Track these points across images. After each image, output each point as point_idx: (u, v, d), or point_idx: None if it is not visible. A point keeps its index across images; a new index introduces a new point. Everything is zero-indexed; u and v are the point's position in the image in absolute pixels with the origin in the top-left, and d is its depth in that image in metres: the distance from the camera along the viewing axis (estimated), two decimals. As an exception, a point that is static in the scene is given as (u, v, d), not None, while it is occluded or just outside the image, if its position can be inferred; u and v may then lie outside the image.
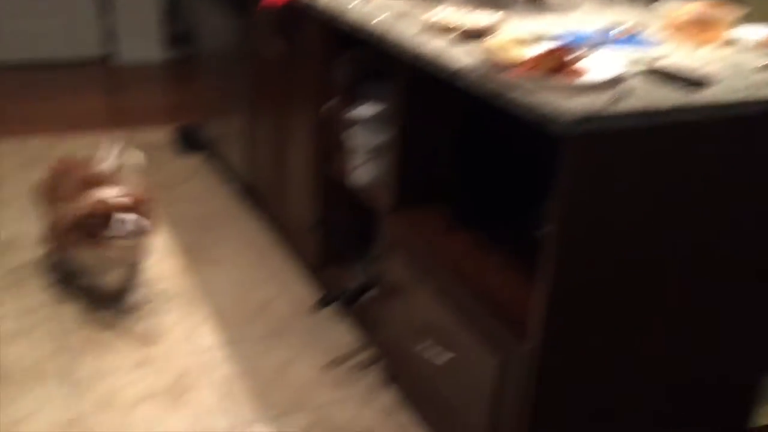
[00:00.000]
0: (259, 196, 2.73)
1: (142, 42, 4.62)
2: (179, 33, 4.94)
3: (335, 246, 2.20)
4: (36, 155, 3.23)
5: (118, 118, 3.79)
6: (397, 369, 1.82)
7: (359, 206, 2.11)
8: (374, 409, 1.89)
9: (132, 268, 2.19)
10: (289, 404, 1.89)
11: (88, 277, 2.16)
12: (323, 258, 2.26)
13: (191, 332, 2.14)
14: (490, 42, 1.41)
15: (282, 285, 2.42)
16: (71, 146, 3.34)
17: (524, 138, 1.74)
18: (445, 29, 1.60)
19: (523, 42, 1.41)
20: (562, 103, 1.16)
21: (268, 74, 2.44)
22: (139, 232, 2.02)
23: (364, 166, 1.91)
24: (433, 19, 1.63)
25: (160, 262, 2.48)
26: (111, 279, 2.20)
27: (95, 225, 1.97)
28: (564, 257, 1.26)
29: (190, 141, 3.42)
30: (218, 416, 1.83)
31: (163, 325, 2.16)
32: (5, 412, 1.78)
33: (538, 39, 1.46)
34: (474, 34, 1.55)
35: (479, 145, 1.80)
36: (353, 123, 1.93)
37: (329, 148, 2.08)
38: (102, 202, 1.99)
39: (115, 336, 2.09)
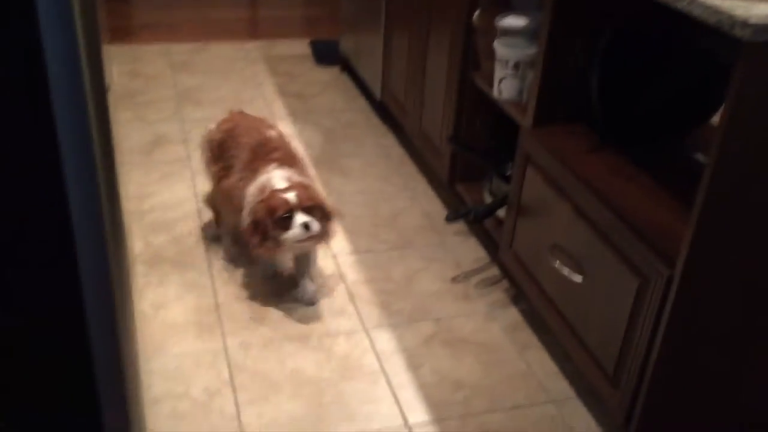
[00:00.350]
0: (392, 109, 2.73)
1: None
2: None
3: (469, 160, 2.18)
4: (182, 60, 3.36)
5: (257, 29, 3.87)
6: (525, 287, 1.80)
7: (498, 121, 2.06)
8: (497, 325, 1.90)
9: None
10: (412, 313, 1.93)
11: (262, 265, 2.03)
12: (456, 172, 2.25)
13: (322, 236, 2.21)
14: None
15: (412, 198, 2.44)
16: (214, 53, 3.46)
17: (675, 62, 1.63)
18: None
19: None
20: (749, 7, 1.07)
21: (410, -16, 2.40)
22: (321, 237, 1.80)
23: (507, 79, 1.86)
24: None
25: (295, 168, 2.55)
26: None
27: (274, 225, 1.75)
28: (722, 182, 1.19)
29: (325, 54, 3.45)
30: (344, 318, 1.89)
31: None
32: (154, 293, 1.93)
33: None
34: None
35: (627, 67, 1.70)
36: (501, 34, 1.87)
37: (475, 58, 2.04)
38: (284, 203, 1.74)
39: (252, 234, 2.19)
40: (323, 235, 1.81)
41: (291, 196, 1.76)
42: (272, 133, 1.98)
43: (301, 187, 1.79)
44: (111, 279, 1.12)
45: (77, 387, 1.11)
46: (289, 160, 1.92)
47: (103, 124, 0.97)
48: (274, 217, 1.74)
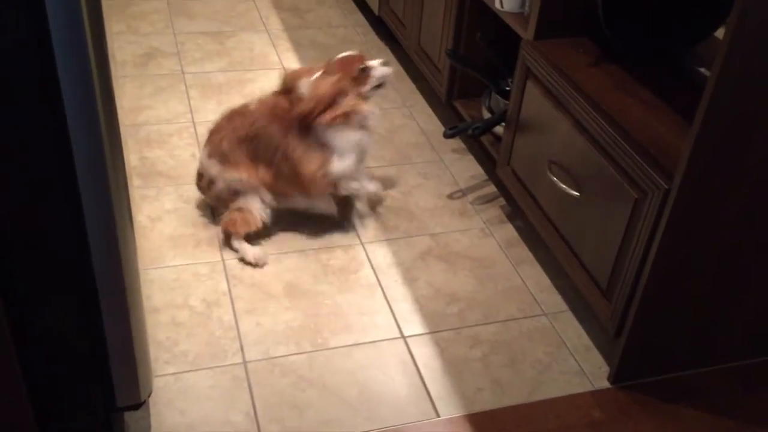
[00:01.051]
0: (390, 24, 2.67)
1: None
2: None
3: (467, 76, 2.15)
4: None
5: None
6: (522, 203, 1.81)
7: (498, 35, 2.02)
8: (493, 240, 1.91)
9: None
10: (409, 228, 1.93)
11: None
12: (454, 89, 2.22)
13: (319, 152, 2.19)
14: None
15: (409, 115, 2.41)
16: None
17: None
18: None
19: None
20: None
21: None
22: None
23: (509, -10, 1.81)
24: None
25: (291, 83, 2.52)
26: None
27: (354, 81, 1.75)
28: (723, 96, 1.17)
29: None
30: (340, 233, 1.90)
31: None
32: (150, 206, 1.92)
33: None
34: None
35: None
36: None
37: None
38: (357, 56, 1.77)
39: (248, 149, 2.17)
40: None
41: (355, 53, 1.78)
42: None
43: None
44: (109, 188, 1.11)
45: (79, 296, 1.12)
46: None
47: (97, 29, 0.95)
48: (354, 69, 1.73)
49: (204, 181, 1.82)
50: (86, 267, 1.11)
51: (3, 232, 1.04)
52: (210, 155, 1.78)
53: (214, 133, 1.81)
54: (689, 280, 1.41)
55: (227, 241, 1.81)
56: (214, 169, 1.77)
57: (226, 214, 1.80)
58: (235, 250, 1.79)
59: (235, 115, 1.80)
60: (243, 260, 1.78)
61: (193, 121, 2.27)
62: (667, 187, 1.28)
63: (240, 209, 1.78)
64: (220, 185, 1.78)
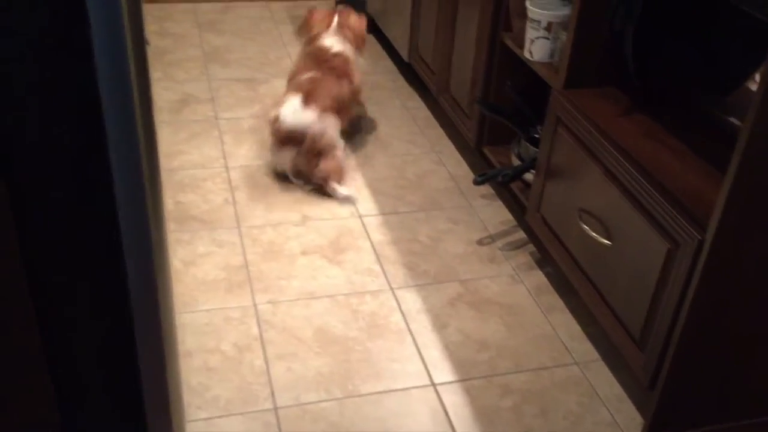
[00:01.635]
0: (419, 71, 2.72)
1: None
2: None
3: (497, 123, 2.17)
4: (209, 20, 3.36)
5: None
6: (552, 250, 1.81)
7: (527, 84, 2.05)
8: (523, 287, 1.91)
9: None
10: (438, 274, 1.94)
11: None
12: (483, 135, 2.24)
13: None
14: None
15: (438, 160, 2.44)
16: (240, 13, 3.45)
17: (711, 21, 1.60)
18: None
19: None
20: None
21: (441, -57, 2.37)
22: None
23: (539, 40, 1.84)
24: None
25: (322, 129, 2.56)
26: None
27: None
28: (757, 146, 1.17)
29: (352, 14, 3.42)
30: (370, 277, 1.91)
31: (323, 188, 2.25)
32: (184, 250, 1.96)
33: None
34: None
35: (663, 27, 1.67)
36: (532, -7, 1.85)
37: (505, 18, 2.02)
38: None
39: (281, 192, 2.21)
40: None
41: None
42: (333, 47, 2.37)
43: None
44: (150, 231, 1.14)
45: (115, 337, 1.14)
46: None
47: (142, 78, 0.98)
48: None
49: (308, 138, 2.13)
50: (124, 312, 1.13)
51: (46, 274, 1.07)
52: (324, 110, 2.16)
53: (309, 95, 2.16)
54: (726, 331, 1.39)
55: (326, 185, 2.17)
56: (328, 120, 2.17)
57: (323, 163, 2.15)
58: (333, 191, 2.17)
59: (303, 83, 2.22)
60: (340, 197, 2.18)
61: (226, 166, 2.32)
62: (700, 238, 1.28)
63: (334, 156, 2.17)
64: (330, 133, 2.17)
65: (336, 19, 2.39)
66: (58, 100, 0.94)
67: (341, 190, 2.17)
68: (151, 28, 3.21)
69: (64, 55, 0.91)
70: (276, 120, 2.15)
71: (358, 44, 2.42)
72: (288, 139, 2.14)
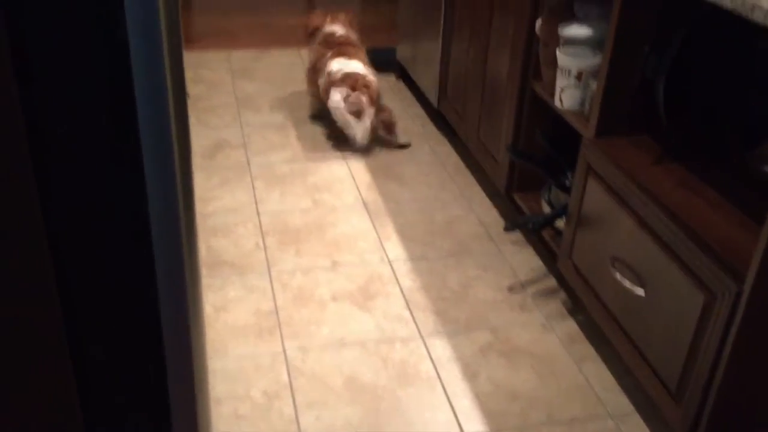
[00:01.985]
0: (449, 117, 2.74)
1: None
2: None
3: (527, 169, 2.17)
4: (242, 67, 3.43)
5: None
6: (584, 298, 1.79)
7: (557, 131, 2.05)
8: (555, 336, 1.89)
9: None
10: (468, 321, 1.93)
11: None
12: (513, 181, 2.25)
13: (380, 243, 2.23)
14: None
15: (468, 206, 2.44)
16: (273, 60, 3.52)
17: (744, 70, 1.60)
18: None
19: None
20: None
21: (470, -7, 2.41)
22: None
23: (569, 89, 1.85)
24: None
25: (350, 176, 2.59)
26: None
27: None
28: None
29: (382, 62, 3.47)
30: (400, 324, 1.90)
31: (355, 233, 2.26)
32: (215, 295, 1.97)
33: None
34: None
35: (694, 76, 1.67)
36: (564, 43, 1.86)
37: (535, 66, 2.04)
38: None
39: (312, 236, 2.22)
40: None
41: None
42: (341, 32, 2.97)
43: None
44: (185, 277, 1.15)
45: (149, 384, 1.15)
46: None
47: (182, 127, 1.01)
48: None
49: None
50: (158, 358, 1.14)
51: (83, 317, 1.08)
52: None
53: (346, 54, 2.77)
54: (766, 385, 1.36)
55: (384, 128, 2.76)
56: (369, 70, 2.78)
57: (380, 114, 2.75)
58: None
59: (336, 50, 2.79)
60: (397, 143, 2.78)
61: (258, 211, 2.34)
62: (738, 289, 1.26)
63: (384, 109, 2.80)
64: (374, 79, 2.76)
65: (329, 17, 2.99)
66: (101, 151, 0.96)
67: (399, 138, 2.79)
68: (186, 75, 3.28)
69: (108, 101, 0.93)
70: (331, 71, 2.71)
71: (353, 27, 3.03)
72: (341, 81, 2.65)
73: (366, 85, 2.65)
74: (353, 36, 2.95)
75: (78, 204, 1.01)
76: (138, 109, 0.92)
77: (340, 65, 2.70)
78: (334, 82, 2.66)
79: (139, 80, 0.90)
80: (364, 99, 2.62)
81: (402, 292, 2.03)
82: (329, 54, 2.78)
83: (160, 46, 0.88)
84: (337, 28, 2.93)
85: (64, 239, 1.03)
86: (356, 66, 2.70)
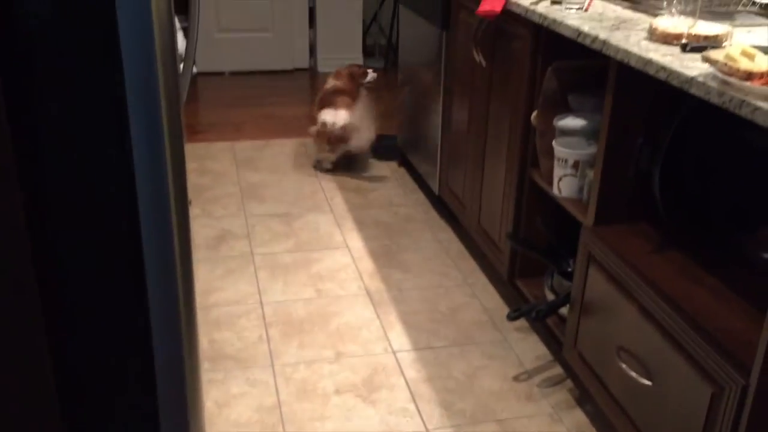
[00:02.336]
0: (450, 204, 2.77)
1: (340, 54, 4.87)
2: (378, 46, 5.16)
3: (529, 256, 2.18)
4: (246, 157, 3.50)
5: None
6: (591, 388, 1.76)
7: (557, 218, 2.07)
8: (563, 427, 1.85)
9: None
10: (474, 413, 1.89)
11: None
12: (515, 268, 2.25)
13: (384, 333, 2.22)
14: (719, 52, 1.33)
15: (471, 293, 2.44)
16: (276, 149, 3.59)
17: (739, 157, 1.63)
18: (667, 38, 1.54)
19: (754, 53, 1.32)
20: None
21: (466, 84, 2.48)
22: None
23: (567, 178, 1.88)
24: (655, 28, 1.57)
25: (353, 264, 2.60)
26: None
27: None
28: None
29: (384, 149, 3.55)
30: (405, 418, 1.87)
31: (358, 322, 2.25)
32: (218, 391, 1.95)
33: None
34: (699, 44, 1.48)
35: (690, 163, 1.70)
36: (559, 134, 1.91)
37: (533, 155, 2.08)
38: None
39: (316, 327, 2.21)
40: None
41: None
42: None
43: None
44: (185, 378, 1.15)
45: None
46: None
47: (183, 237, 1.03)
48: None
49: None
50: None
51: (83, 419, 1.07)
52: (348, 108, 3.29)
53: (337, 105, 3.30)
54: (779, 480, 1.32)
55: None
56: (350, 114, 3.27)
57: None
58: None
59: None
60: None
61: (261, 302, 2.35)
62: (744, 382, 1.24)
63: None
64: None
65: (332, 74, 3.55)
66: (101, 258, 0.98)
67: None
68: (191, 166, 3.35)
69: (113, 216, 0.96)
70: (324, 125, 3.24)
71: (354, 78, 3.51)
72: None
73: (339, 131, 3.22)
74: (348, 85, 3.40)
75: (81, 308, 1.02)
76: (141, 220, 0.94)
77: (326, 116, 3.23)
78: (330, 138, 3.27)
79: (143, 192, 0.93)
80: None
81: (407, 383, 2.00)
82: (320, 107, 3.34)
83: (164, 163, 0.91)
84: (336, 82, 3.43)
85: (68, 346, 1.04)
86: (342, 115, 3.21)
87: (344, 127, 3.20)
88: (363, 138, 3.25)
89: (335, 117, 3.22)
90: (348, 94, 3.35)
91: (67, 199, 0.94)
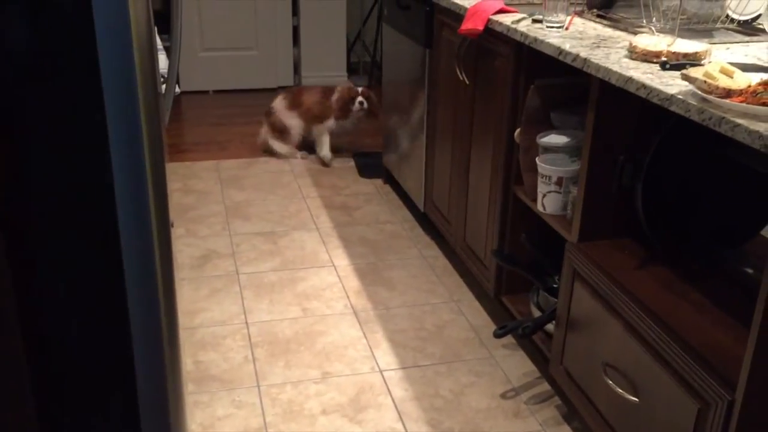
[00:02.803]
0: (436, 221, 2.77)
1: (324, 72, 4.88)
2: (362, 63, 5.18)
3: (515, 273, 2.18)
4: (231, 176, 3.49)
5: (303, 144, 3.99)
6: (578, 405, 1.76)
7: (542, 234, 2.08)
8: (551, 445, 1.84)
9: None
10: (464, 431, 1.88)
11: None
12: (501, 285, 2.25)
13: (370, 351, 2.20)
14: (698, 70, 1.35)
15: (458, 309, 2.43)
16: (261, 168, 3.59)
17: (721, 173, 1.64)
18: (647, 56, 1.56)
19: (733, 71, 1.33)
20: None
21: (449, 102, 2.49)
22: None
23: (551, 195, 1.89)
24: (635, 46, 1.59)
25: (339, 282, 2.59)
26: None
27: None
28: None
29: (369, 167, 3.55)
30: (394, 436, 1.86)
31: (345, 341, 2.24)
32: (203, 413, 1.93)
33: (749, 68, 1.38)
34: (679, 62, 1.49)
35: (673, 180, 1.71)
36: (542, 151, 1.92)
37: (517, 172, 2.08)
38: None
39: (301, 346, 2.20)
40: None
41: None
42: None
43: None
44: (168, 403, 1.13)
45: None
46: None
47: (166, 260, 1.02)
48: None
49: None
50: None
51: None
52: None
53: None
54: (767, 496, 1.32)
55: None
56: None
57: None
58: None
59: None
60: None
61: (246, 322, 2.33)
62: (730, 398, 1.24)
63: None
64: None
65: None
66: (84, 283, 0.97)
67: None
68: (175, 186, 3.34)
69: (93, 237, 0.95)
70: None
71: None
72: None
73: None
74: (326, 100, 3.65)
75: (62, 331, 1.01)
76: (122, 243, 0.93)
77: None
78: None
79: (124, 214, 0.92)
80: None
81: (394, 402, 1.99)
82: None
83: (144, 184, 0.90)
84: (324, 94, 3.72)
85: (49, 368, 1.02)
86: (278, 102, 3.75)
87: (269, 110, 3.69)
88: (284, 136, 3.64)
89: (275, 102, 3.71)
90: (314, 102, 3.63)
91: (46, 220, 0.93)
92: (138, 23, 0.93)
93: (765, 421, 1.25)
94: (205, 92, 4.78)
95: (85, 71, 0.89)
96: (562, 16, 1.90)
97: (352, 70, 5.09)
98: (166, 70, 1.75)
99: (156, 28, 1.24)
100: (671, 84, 1.40)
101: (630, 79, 1.46)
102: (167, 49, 1.69)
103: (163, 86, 1.59)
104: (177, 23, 1.51)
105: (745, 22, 1.90)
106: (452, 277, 2.64)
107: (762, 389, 1.22)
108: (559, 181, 1.88)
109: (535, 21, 1.99)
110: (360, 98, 3.58)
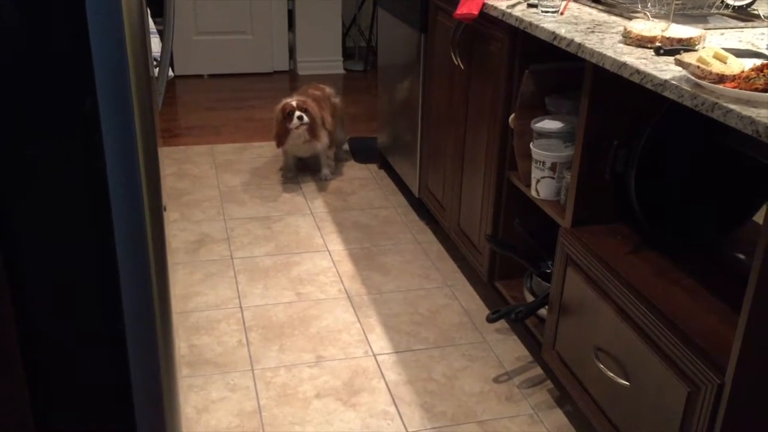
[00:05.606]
0: (430, 206, 2.78)
1: (319, 57, 4.86)
2: (357, 48, 5.16)
3: (508, 258, 2.19)
4: (226, 160, 3.48)
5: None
6: (570, 389, 1.77)
7: (536, 219, 2.08)
8: (543, 428, 1.86)
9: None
10: (455, 415, 1.90)
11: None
12: (495, 270, 2.26)
13: (364, 335, 2.21)
14: (692, 55, 1.35)
15: (451, 294, 2.44)
16: (256, 152, 3.58)
17: (714, 159, 1.65)
18: (641, 41, 1.56)
19: (726, 56, 1.33)
20: (778, 120, 1.09)
21: (444, 87, 2.48)
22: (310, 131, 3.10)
23: (545, 180, 1.89)
24: (629, 31, 1.59)
25: (333, 267, 2.59)
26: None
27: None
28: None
29: (363, 151, 3.55)
30: (386, 421, 1.87)
31: (339, 326, 2.25)
32: (197, 396, 1.94)
33: (743, 54, 1.38)
34: (673, 47, 1.49)
35: (665, 165, 1.72)
36: (537, 136, 1.92)
37: (511, 158, 2.08)
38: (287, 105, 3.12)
39: (296, 331, 2.21)
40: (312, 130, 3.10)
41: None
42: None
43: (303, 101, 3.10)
44: (161, 390, 1.14)
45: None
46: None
47: (159, 248, 1.02)
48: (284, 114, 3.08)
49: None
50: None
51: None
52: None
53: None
54: (755, 478, 1.34)
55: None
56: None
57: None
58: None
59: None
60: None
61: (241, 306, 2.33)
62: (719, 381, 1.26)
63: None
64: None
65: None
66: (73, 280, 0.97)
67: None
68: (170, 170, 3.33)
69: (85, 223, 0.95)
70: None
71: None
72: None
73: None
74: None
75: (55, 318, 1.01)
76: (115, 227, 0.94)
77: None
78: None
79: (116, 199, 0.92)
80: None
81: (387, 386, 2.00)
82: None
83: (137, 168, 0.90)
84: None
85: (42, 352, 1.03)
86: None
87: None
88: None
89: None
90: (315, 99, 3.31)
91: (37, 205, 0.93)
92: (130, 6, 0.93)
93: (754, 404, 1.26)
94: (200, 76, 4.76)
95: (75, 54, 0.89)
96: (557, 1, 1.89)
97: (347, 54, 5.08)
98: (159, 54, 1.74)
99: (149, 11, 1.23)
100: (665, 69, 1.40)
101: (624, 65, 1.46)
102: (160, 33, 1.68)
103: (156, 70, 1.59)
104: (170, 6, 1.51)
105: (740, 7, 1.89)
106: (446, 262, 2.65)
107: (751, 373, 1.24)
108: (553, 167, 1.88)
109: (530, 6, 1.98)
110: (298, 112, 3.02)
